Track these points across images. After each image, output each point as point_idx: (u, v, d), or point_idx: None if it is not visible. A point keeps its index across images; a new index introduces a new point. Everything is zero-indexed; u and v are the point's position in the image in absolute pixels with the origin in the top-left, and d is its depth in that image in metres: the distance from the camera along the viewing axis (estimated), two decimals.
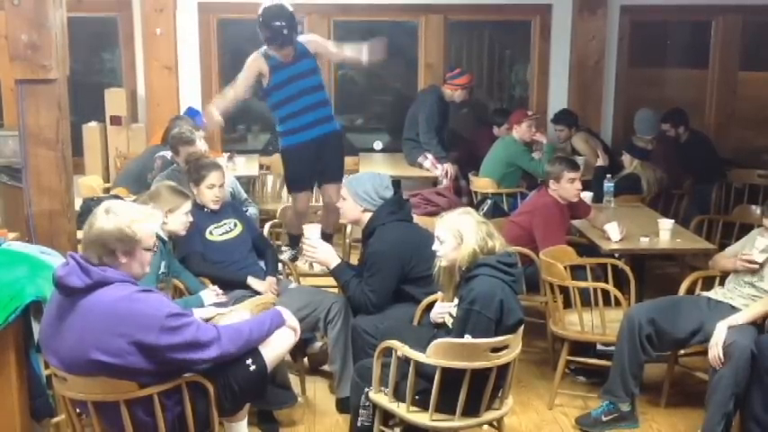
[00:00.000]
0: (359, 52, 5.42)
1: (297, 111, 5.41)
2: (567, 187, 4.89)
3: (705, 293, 4.23)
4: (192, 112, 6.89)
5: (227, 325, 2.99)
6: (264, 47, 5.32)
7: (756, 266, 4.01)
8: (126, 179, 5.89)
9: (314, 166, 5.49)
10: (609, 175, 5.95)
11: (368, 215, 4.17)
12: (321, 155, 5.47)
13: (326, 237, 4.36)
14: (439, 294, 3.78)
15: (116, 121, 7.32)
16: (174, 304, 2.91)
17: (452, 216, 3.51)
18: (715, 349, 3.74)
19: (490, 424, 3.45)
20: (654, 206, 5.96)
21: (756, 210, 5.38)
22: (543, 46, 7.87)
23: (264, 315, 3.19)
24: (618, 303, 4.28)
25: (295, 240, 5.65)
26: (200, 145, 5.30)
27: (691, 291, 4.35)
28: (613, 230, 4.80)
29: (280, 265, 4.81)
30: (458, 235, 3.41)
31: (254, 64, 5.35)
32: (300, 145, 5.45)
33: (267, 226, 5.44)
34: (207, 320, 3.38)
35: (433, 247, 3.53)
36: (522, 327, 3.38)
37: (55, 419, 3.49)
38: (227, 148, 7.65)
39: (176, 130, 5.41)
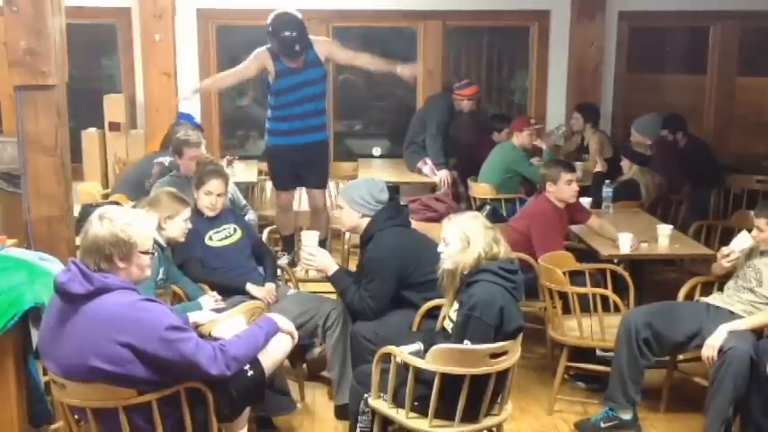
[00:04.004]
0: (393, 66, 5.52)
1: (289, 115, 5.44)
2: (565, 189, 4.89)
3: (704, 299, 4.24)
4: (185, 117, 6.89)
5: (223, 345, 2.95)
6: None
7: (734, 257, 4.08)
8: (124, 185, 5.89)
9: (296, 169, 5.59)
10: (608, 181, 5.95)
11: (366, 220, 4.17)
12: (304, 161, 5.54)
13: (320, 242, 4.38)
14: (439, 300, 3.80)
15: (115, 127, 7.32)
16: (177, 318, 2.89)
17: (461, 219, 3.52)
18: (711, 350, 3.75)
19: (489, 430, 3.44)
20: (653, 212, 5.97)
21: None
22: (542, 52, 7.88)
23: (258, 329, 3.14)
24: (617, 309, 4.28)
25: (287, 242, 5.67)
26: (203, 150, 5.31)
27: (690, 296, 4.35)
28: (625, 241, 4.79)
29: (279, 271, 4.81)
30: (464, 238, 3.42)
31: (259, 59, 5.38)
32: (283, 148, 5.52)
33: (266, 232, 5.45)
34: (199, 327, 3.39)
35: (439, 249, 3.54)
36: (522, 333, 3.39)
37: (53, 426, 3.49)
38: (226, 154, 7.64)
39: (181, 132, 5.42)
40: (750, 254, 4.11)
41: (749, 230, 4.12)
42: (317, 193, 5.67)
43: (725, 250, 4.17)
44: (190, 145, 5.19)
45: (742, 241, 4.11)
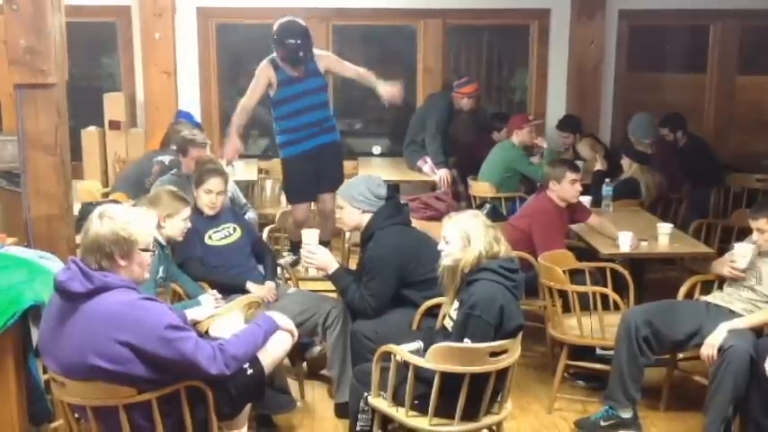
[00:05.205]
0: (376, 83, 5.49)
1: (299, 126, 5.43)
2: (568, 188, 4.89)
3: (704, 298, 4.24)
4: (185, 116, 6.89)
5: (222, 344, 2.94)
6: (273, 54, 5.33)
7: (743, 274, 4.04)
8: (124, 184, 5.89)
9: (313, 176, 5.51)
10: (608, 179, 5.95)
11: (368, 216, 4.17)
12: (319, 164, 5.50)
13: (323, 244, 4.38)
14: (439, 299, 3.80)
15: (115, 125, 7.32)
16: (176, 317, 2.89)
17: (461, 218, 3.52)
18: (711, 349, 3.75)
19: (489, 428, 3.45)
20: (653, 210, 5.97)
21: None
22: (542, 50, 7.87)
23: (257, 328, 3.14)
24: (617, 307, 4.28)
25: (297, 247, 5.65)
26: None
27: (690, 295, 4.35)
28: (625, 240, 4.79)
29: (279, 270, 4.80)
30: (465, 237, 3.42)
31: (264, 73, 5.38)
32: (299, 155, 5.48)
33: (266, 231, 5.45)
34: (197, 324, 3.41)
35: (439, 247, 3.54)
36: (522, 331, 3.39)
37: (53, 424, 3.49)
38: None
39: (187, 132, 5.42)
40: None
41: (749, 231, 4.12)
42: (329, 197, 5.63)
43: (735, 264, 4.08)
44: (195, 145, 5.19)
45: (747, 253, 4.05)
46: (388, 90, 5.53)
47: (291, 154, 5.53)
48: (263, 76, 5.40)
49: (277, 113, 5.49)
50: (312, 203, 5.74)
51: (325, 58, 5.52)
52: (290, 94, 5.38)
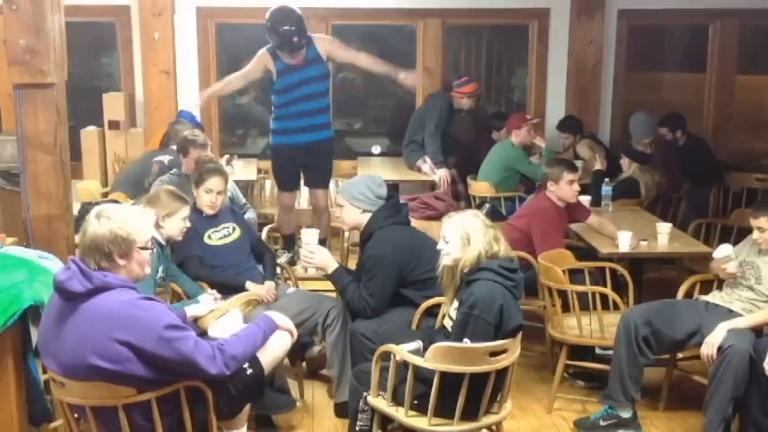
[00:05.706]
0: (395, 72, 5.51)
1: (294, 114, 5.44)
2: (566, 189, 4.89)
3: (703, 297, 4.24)
4: (185, 115, 6.89)
5: (222, 344, 2.94)
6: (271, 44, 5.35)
7: (740, 274, 4.05)
8: (124, 184, 5.89)
9: (300, 168, 5.61)
10: (607, 179, 5.95)
11: (367, 216, 4.17)
12: (308, 160, 5.54)
13: (320, 242, 4.39)
14: (439, 298, 3.81)
15: (114, 125, 7.31)
16: (176, 317, 2.89)
17: (461, 217, 3.52)
18: (710, 348, 3.75)
19: (489, 428, 3.45)
20: (652, 210, 5.97)
21: None
22: (541, 50, 7.87)
23: (256, 327, 3.14)
24: (616, 307, 4.28)
25: (288, 240, 5.68)
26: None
27: (689, 294, 4.35)
28: (624, 239, 4.79)
29: (278, 270, 4.80)
30: (465, 236, 3.43)
31: (262, 59, 5.42)
32: (288, 147, 5.52)
33: (265, 230, 5.45)
34: (198, 320, 3.43)
35: (438, 246, 3.54)
36: (521, 331, 3.39)
37: (53, 424, 3.49)
38: (226, 152, 7.64)
39: (188, 132, 5.43)
40: (748, 252, 4.11)
41: (748, 231, 4.12)
42: (320, 192, 5.67)
43: (728, 271, 4.10)
44: (197, 146, 5.20)
45: (729, 257, 4.07)
46: (410, 77, 5.58)
47: (282, 143, 5.56)
48: (260, 61, 5.43)
49: (275, 101, 5.51)
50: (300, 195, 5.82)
51: (325, 41, 5.52)
52: (289, 83, 5.39)
